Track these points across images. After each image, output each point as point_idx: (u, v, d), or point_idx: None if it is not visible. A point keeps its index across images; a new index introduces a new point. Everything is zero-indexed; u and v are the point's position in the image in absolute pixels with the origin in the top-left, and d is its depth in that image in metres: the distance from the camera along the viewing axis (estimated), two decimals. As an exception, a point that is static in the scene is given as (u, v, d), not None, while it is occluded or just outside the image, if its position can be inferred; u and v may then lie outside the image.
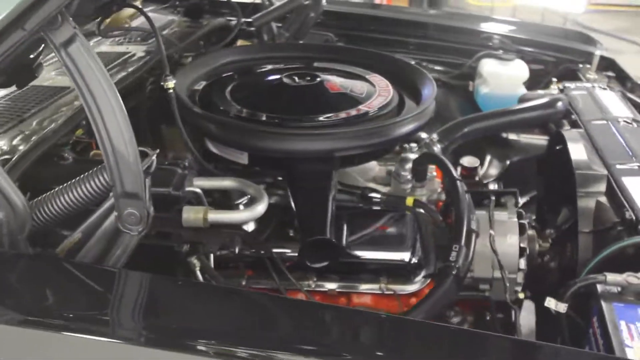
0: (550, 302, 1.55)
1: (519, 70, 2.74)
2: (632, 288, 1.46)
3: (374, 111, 1.91)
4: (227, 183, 1.65)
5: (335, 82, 2.07)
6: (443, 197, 2.03)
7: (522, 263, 1.84)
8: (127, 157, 1.26)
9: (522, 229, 1.86)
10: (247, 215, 1.58)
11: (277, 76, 2.05)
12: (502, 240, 1.84)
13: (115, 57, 2.22)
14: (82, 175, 1.38)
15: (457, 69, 2.82)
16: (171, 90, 1.82)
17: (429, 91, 2.02)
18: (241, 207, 1.68)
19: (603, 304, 1.44)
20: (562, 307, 1.54)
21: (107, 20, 2.13)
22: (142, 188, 1.27)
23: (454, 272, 1.63)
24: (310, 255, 1.58)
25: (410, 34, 2.85)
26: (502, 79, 2.72)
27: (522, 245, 1.84)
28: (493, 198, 1.91)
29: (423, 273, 1.83)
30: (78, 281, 1.33)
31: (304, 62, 2.23)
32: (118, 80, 2.03)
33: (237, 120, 1.82)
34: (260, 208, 1.60)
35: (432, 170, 2.06)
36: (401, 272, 1.87)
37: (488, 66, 2.75)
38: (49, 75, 2.05)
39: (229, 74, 2.14)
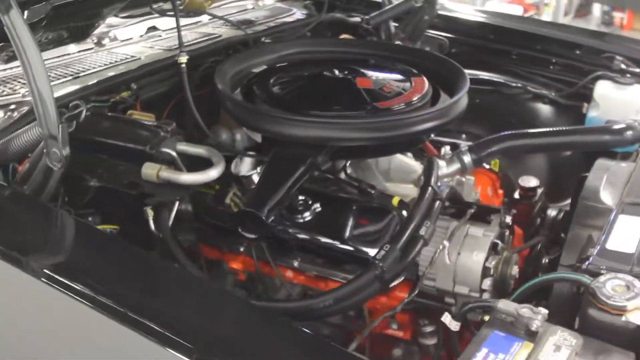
0: (446, 319, 1.48)
1: (635, 96, 2.47)
2: (523, 320, 1.34)
3: (379, 109, 1.92)
4: (200, 150, 1.82)
5: (370, 78, 2.11)
6: None
7: (487, 283, 1.73)
8: (48, 105, 1.52)
9: (494, 249, 1.75)
10: (194, 178, 1.72)
11: (321, 69, 2.15)
12: (467, 255, 1.75)
13: (197, 36, 2.49)
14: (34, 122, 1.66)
15: (571, 87, 2.63)
16: (183, 65, 2.05)
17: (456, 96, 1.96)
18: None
19: (483, 328, 1.35)
20: (454, 325, 1.46)
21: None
22: (57, 132, 1.52)
23: (376, 272, 1.61)
24: (242, 224, 1.68)
25: (527, 46, 2.70)
26: (614, 103, 2.48)
27: (487, 264, 1.73)
28: (471, 210, 1.82)
29: None
30: (21, 211, 1.62)
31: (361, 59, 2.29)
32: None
33: (243, 101, 1.96)
34: (213, 173, 1.73)
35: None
36: None
37: (601, 88, 2.52)
38: (125, 49, 2.38)
39: (284, 63, 2.28)
